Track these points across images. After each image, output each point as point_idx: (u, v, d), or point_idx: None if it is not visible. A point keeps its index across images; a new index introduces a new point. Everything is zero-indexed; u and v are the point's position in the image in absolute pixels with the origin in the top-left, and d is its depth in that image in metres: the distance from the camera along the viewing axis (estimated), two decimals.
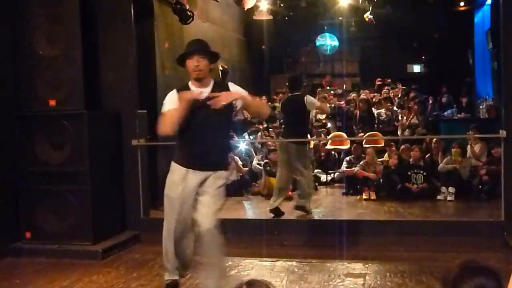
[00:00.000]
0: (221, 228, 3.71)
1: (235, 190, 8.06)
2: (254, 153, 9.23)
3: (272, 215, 6.39)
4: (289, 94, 7.07)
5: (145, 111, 6.16)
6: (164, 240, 3.88)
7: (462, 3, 13.17)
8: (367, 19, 13.01)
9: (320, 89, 12.52)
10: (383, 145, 9.01)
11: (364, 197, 7.67)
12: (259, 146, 9.50)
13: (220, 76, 10.70)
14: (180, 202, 3.74)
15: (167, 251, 3.89)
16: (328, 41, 15.29)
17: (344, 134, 9.97)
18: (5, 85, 5.55)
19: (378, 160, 8.36)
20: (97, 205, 5.45)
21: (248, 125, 10.16)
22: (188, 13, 8.11)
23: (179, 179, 3.75)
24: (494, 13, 10.66)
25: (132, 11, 5.95)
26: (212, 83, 3.84)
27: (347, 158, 8.62)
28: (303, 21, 14.29)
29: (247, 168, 8.60)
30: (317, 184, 8.65)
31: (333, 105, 10.84)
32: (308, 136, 7.93)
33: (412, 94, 11.75)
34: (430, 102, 12.25)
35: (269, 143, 8.91)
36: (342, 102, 11.25)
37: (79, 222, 5.41)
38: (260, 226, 5.84)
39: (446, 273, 1.80)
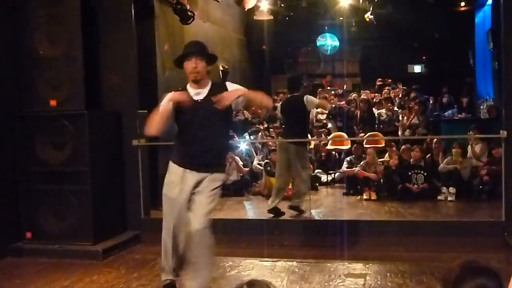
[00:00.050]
0: (213, 229, 3.72)
1: (235, 190, 8.08)
2: (254, 153, 9.23)
3: (270, 215, 6.39)
4: (288, 95, 7.07)
5: (146, 111, 6.11)
6: (163, 239, 3.90)
7: (462, 3, 13.17)
8: (367, 19, 12.99)
9: (320, 89, 12.56)
10: (383, 145, 9.02)
11: (365, 197, 7.66)
12: (260, 146, 9.49)
13: (221, 76, 10.70)
14: (178, 202, 3.76)
15: (166, 249, 3.90)
16: (328, 41, 15.27)
17: (344, 134, 9.96)
18: (6, 85, 5.56)
19: (379, 160, 8.36)
20: (97, 205, 5.45)
21: (248, 125, 10.16)
22: (189, 13, 8.12)
23: (177, 179, 3.78)
24: (494, 13, 10.66)
25: (133, 11, 5.95)
26: (210, 84, 3.85)
27: (348, 158, 8.62)
28: (304, 21, 14.27)
29: (247, 168, 8.60)
30: (317, 184, 8.66)
31: (333, 105, 10.83)
32: (309, 136, 7.93)
33: (412, 94, 11.72)
34: (431, 102, 12.22)
35: (270, 143, 8.91)
36: (343, 102, 11.23)
37: (80, 222, 5.42)
38: (261, 226, 5.85)
39: (446, 273, 1.80)
